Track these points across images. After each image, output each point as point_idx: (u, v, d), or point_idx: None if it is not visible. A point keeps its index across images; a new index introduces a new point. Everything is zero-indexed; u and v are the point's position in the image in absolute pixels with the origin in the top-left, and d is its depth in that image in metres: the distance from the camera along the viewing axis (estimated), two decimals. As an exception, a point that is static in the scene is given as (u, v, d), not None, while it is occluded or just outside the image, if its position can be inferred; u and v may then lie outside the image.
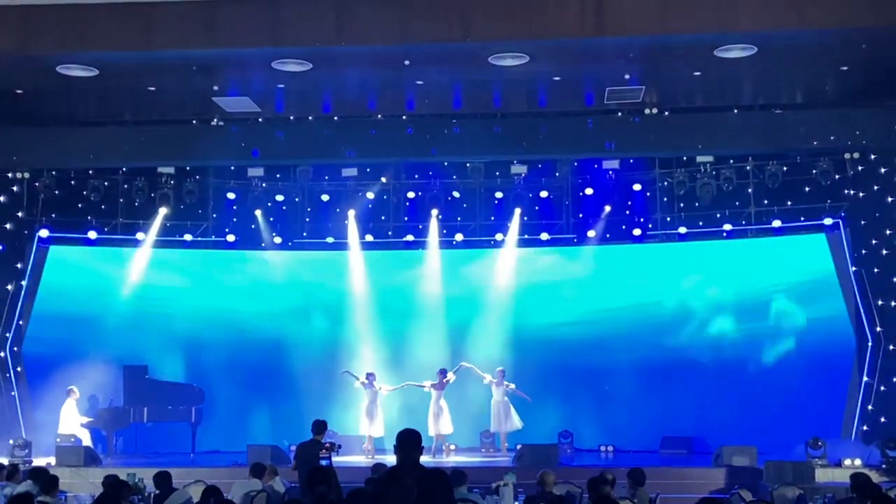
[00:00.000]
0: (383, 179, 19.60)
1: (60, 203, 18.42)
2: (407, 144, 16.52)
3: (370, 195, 19.67)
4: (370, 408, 17.73)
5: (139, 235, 19.04)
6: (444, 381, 17.82)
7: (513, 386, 18.06)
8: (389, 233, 20.15)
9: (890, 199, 16.54)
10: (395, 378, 18.84)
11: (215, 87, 14.99)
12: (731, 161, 18.18)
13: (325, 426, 11.47)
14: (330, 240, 19.98)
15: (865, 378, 16.55)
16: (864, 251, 17.03)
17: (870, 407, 16.40)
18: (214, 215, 19.77)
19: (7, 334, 17.54)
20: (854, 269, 17.04)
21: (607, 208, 19.11)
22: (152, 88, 14.91)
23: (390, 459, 11.92)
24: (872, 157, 16.86)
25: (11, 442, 15.83)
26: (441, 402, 17.73)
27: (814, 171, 17.41)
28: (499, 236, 19.67)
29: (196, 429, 18.22)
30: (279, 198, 19.84)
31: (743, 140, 16.32)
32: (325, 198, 19.88)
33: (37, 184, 17.98)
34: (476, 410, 18.68)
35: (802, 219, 17.92)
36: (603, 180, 19.06)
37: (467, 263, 20.11)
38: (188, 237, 19.45)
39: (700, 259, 19.06)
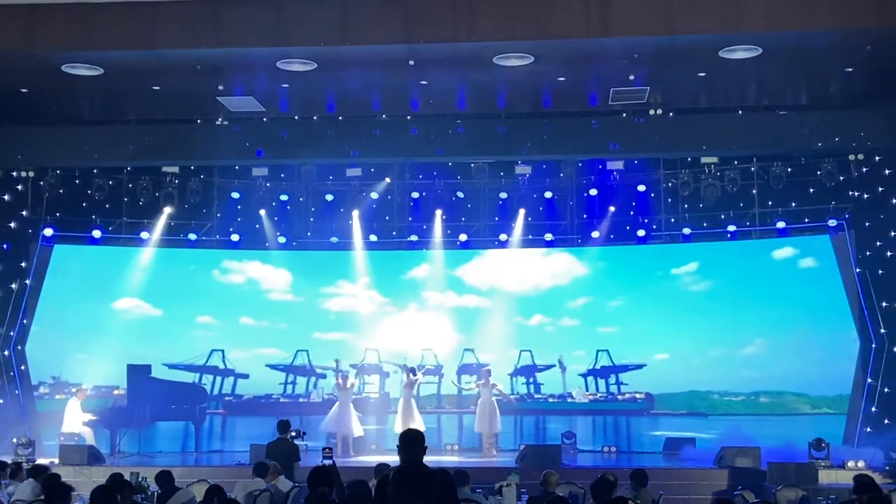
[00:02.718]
0: (387, 179, 19.59)
1: (65, 202, 18.45)
2: (411, 144, 16.54)
3: (374, 195, 19.66)
4: (342, 410, 17.51)
5: (143, 235, 19.05)
6: (414, 379, 17.71)
7: (500, 386, 17.96)
8: (394, 233, 20.17)
9: (894, 201, 16.53)
10: (397, 380, 18.90)
11: (220, 87, 15.02)
12: (736, 162, 18.16)
13: (290, 424, 12.17)
14: (334, 240, 19.99)
15: (869, 380, 16.54)
16: (868, 253, 17.03)
17: (873, 409, 16.39)
18: (218, 215, 19.79)
19: (11, 333, 17.58)
20: (858, 270, 17.03)
21: (612, 209, 19.10)
22: (157, 88, 14.94)
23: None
24: (877, 158, 16.86)
25: (15, 440, 15.84)
26: (411, 402, 17.48)
27: (818, 173, 17.39)
28: (503, 237, 19.67)
29: (199, 428, 18.24)
30: (283, 197, 19.84)
31: (747, 141, 16.34)
32: (329, 198, 19.88)
33: (41, 182, 18.01)
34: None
35: (807, 220, 17.91)
36: (607, 181, 19.05)
37: (471, 264, 20.11)
38: (192, 236, 19.47)
39: (703, 259, 19.07)
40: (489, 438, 17.51)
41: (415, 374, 17.75)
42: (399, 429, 17.20)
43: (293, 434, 11.96)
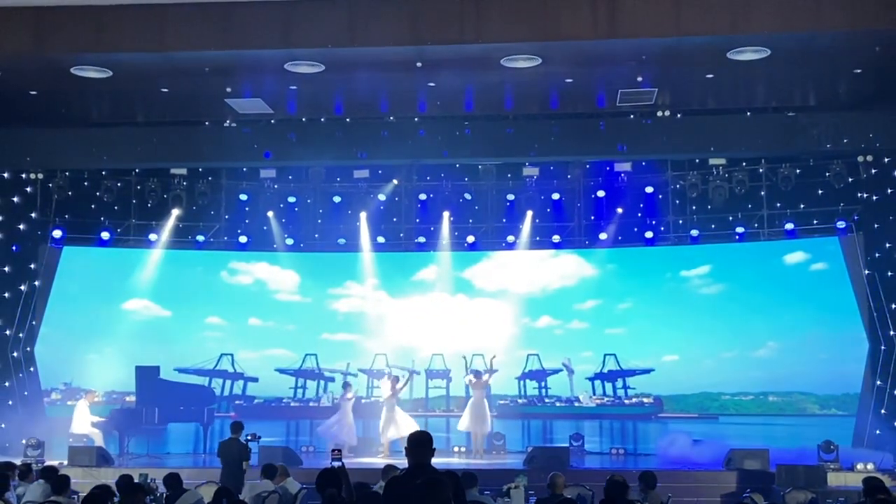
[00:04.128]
0: (395, 181, 19.57)
1: (74, 204, 18.50)
2: (419, 146, 16.53)
3: (382, 197, 19.65)
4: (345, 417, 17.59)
5: (152, 236, 19.10)
6: (397, 387, 17.54)
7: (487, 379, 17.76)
8: (401, 234, 20.15)
9: (903, 202, 16.50)
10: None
11: (228, 89, 15.03)
12: (744, 163, 18.12)
13: (242, 426, 12.79)
14: (342, 241, 20.01)
15: (878, 382, 16.48)
16: (877, 254, 16.99)
17: (882, 411, 16.33)
18: (227, 216, 19.81)
19: (20, 334, 17.63)
20: (867, 272, 16.98)
21: (619, 211, 19.08)
22: (165, 90, 14.96)
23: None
24: (886, 160, 16.82)
25: (24, 442, 15.87)
26: (396, 409, 17.32)
27: (827, 174, 17.34)
28: (510, 238, 19.65)
29: (208, 429, 18.27)
30: (291, 199, 19.85)
31: (756, 142, 16.31)
32: (336, 199, 19.88)
33: (50, 185, 18.08)
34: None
35: (815, 222, 17.86)
36: (615, 182, 19.02)
37: (479, 266, 20.11)
38: (200, 238, 19.50)
39: (713, 262, 19.05)
40: (479, 438, 17.43)
41: (397, 382, 17.65)
42: (384, 437, 17.15)
43: (248, 437, 12.49)
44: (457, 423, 18.19)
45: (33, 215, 18.21)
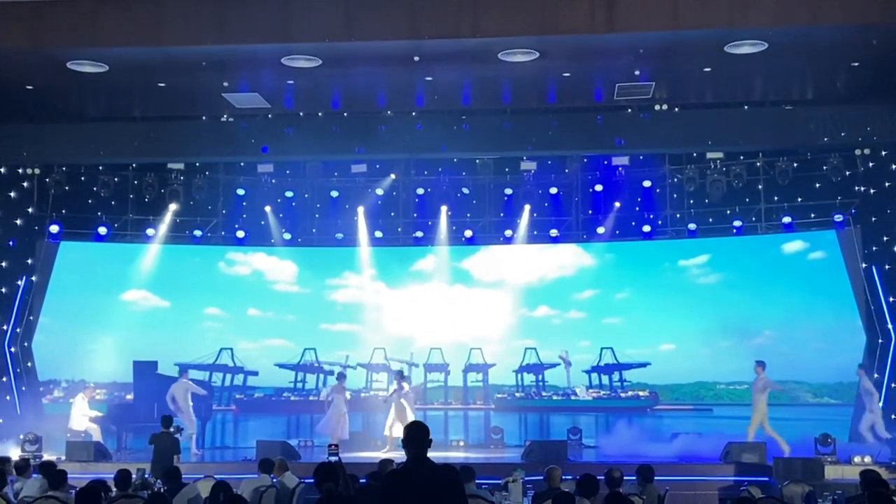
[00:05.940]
0: (393, 176, 19.56)
1: (71, 199, 18.47)
2: (416, 141, 16.51)
3: (379, 191, 19.64)
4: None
5: (149, 231, 19.08)
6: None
7: (407, 387, 17.25)
8: (399, 229, 20.17)
9: (900, 196, 16.51)
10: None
11: (225, 84, 15.00)
12: (742, 157, 18.13)
13: (172, 420, 13.91)
14: (339, 236, 20.00)
15: (875, 375, 16.49)
16: (874, 248, 17.00)
17: (880, 404, 16.34)
18: (224, 211, 19.80)
19: (17, 329, 17.62)
20: (864, 265, 16.99)
21: (617, 205, 19.09)
22: (162, 84, 14.93)
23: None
24: (883, 153, 16.83)
25: (22, 437, 15.85)
26: (342, 406, 17.35)
27: (824, 168, 17.36)
28: (508, 233, 19.66)
29: (205, 424, 18.26)
30: (288, 194, 19.84)
31: (753, 136, 16.31)
32: (334, 194, 19.87)
33: (47, 179, 18.04)
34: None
35: (813, 215, 17.89)
36: (613, 177, 19.02)
37: (477, 256, 20.11)
38: (198, 233, 19.48)
39: (711, 252, 19.07)
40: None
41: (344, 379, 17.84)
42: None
43: (172, 430, 13.51)
44: (455, 415, 18.23)
45: (30, 210, 18.18)
